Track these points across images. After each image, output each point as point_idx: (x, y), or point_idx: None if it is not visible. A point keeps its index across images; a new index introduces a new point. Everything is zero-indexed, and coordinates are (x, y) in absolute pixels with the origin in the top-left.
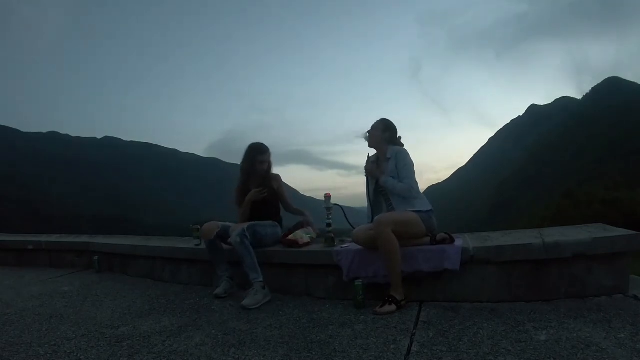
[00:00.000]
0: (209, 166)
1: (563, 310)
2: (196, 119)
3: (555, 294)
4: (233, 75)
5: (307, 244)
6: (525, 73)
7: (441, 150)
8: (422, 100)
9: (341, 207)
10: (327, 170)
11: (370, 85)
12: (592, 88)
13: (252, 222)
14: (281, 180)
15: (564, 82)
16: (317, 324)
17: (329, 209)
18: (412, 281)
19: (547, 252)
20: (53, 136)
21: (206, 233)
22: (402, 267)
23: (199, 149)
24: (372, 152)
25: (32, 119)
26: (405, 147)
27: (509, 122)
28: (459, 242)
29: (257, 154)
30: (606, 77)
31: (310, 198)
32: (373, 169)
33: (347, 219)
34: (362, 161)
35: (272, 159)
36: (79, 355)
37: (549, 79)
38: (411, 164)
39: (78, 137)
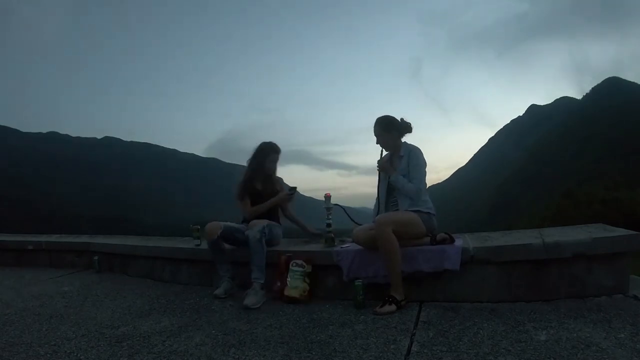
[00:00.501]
0: (209, 166)
1: (563, 310)
2: (196, 119)
3: (555, 294)
4: (233, 75)
5: (308, 295)
6: (526, 73)
7: (441, 150)
8: (423, 100)
9: (342, 206)
10: (327, 170)
11: (371, 85)
12: (592, 88)
13: (270, 222)
14: (282, 184)
15: (565, 82)
16: (317, 324)
17: (328, 209)
18: (412, 281)
19: (547, 252)
20: (53, 136)
21: (209, 233)
22: (402, 267)
23: (199, 149)
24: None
25: (32, 119)
26: (411, 137)
27: (509, 122)
28: (459, 242)
29: (272, 152)
30: (607, 77)
31: (310, 198)
32: (386, 165)
33: (350, 217)
34: (363, 161)
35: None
36: (79, 355)
37: (549, 79)
38: (423, 164)
39: (78, 137)
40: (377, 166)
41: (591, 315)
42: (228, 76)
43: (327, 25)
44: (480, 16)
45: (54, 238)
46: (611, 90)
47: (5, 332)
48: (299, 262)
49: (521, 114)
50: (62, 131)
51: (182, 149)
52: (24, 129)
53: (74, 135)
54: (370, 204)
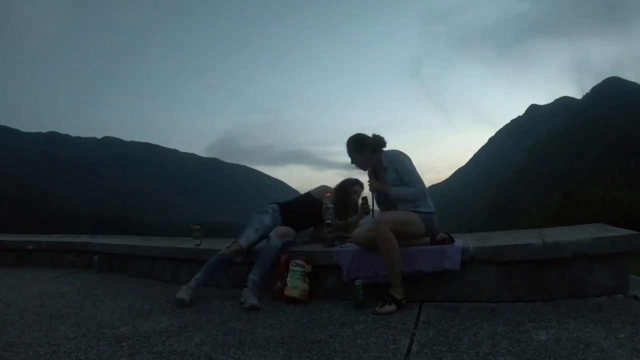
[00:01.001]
0: (209, 166)
1: (563, 310)
2: (196, 119)
3: (555, 294)
4: (233, 75)
5: (308, 295)
6: (526, 73)
7: (442, 149)
8: (423, 100)
9: None
10: (327, 170)
11: (371, 84)
12: (592, 88)
13: (296, 234)
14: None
15: (565, 82)
16: (317, 324)
17: (328, 209)
18: (412, 281)
19: (547, 252)
20: (53, 136)
21: (233, 253)
22: (402, 267)
23: (199, 149)
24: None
25: (32, 119)
26: (402, 139)
27: (509, 122)
28: (458, 242)
29: (360, 188)
30: (607, 77)
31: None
32: (378, 186)
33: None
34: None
35: (269, 159)
36: (79, 355)
37: (550, 78)
38: (410, 164)
39: (78, 137)
40: (370, 189)
41: (591, 315)
42: (228, 76)
43: (327, 25)
44: (480, 15)
45: (54, 238)
46: (611, 90)
47: (5, 332)
48: (299, 262)
49: (521, 114)
50: (62, 131)
51: (182, 149)
52: (24, 129)
53: (74, 135)
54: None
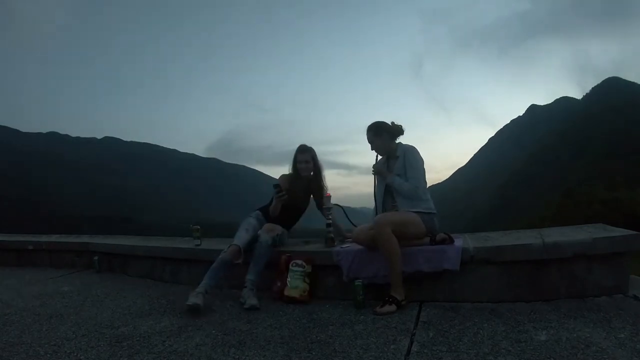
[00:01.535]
0: (209, 166)
1: (563, 310)
2: (196, 119)
3: (555, 294)
4: (233, 75)
5: (308, 295)
6: (527, 72)
7: (442, 149)
8: (423, 99)
9: (341, 207)
10: (327, 170)
11: (371, 84)
12: (592, 88)
13: (283, 230)
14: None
15: (566, 82)
16: (317, 324)
17: (328, 209)
18: (412, 281)
19: (547, 252)
20: (53, 136)
21: (231, 256)
22: (402, 267)
23: (199, 149)
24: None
25: (32, 119)
26: (407, 137)
27: (509, 122)
28: (458, 242)
29: (297, 154)
30: (608, 76)
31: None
32: (381, 168)
33: (348, 218)
34: (364, 161)
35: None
36: (79, 355)
37: (550, 78)
38: (420, 162)
39: (78, 137)
40: (372, 170)
41: (591, 315)
42: (228, 76)
43: (327, 24)
44: (481, 14)
45: (54, 238)
46: (611, 90)
47: (5, 332)
48: (299, 262)
49: (521, 114)
50: (62, 131)
51: (182, 149)
52: (24, 129)
53: (74, 135)
54: (371, 204)
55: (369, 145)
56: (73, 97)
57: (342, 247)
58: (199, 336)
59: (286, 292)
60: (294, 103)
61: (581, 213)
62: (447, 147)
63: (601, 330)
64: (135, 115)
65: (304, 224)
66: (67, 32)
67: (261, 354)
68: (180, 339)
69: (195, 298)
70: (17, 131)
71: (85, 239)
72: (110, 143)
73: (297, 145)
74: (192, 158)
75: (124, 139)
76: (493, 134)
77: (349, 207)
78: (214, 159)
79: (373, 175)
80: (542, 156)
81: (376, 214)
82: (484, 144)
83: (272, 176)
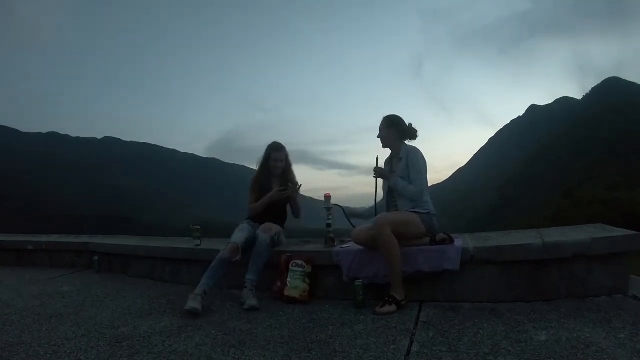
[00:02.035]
0: (209, 166)
1: (563, 310)
2: (196, 119)
3: (555, 294)
4: (233, 74)
5: (308, 295)
6: (527, 72)
7: (442, 149)
8: (424, 99)
9: (341, 207)
10: (327, 170)
11: (371, 83)
12: (592, 88)
13: (281, 228)
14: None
15: (566, 82)
16: (317, 324)
17: (328, 209)
18: (412, 281)
19: (547, 252)
20: (53, 136)
21: (230, 253)
22: (402, 268)
23: (199, 149)
24: (381, 153)
25: (32, 119)
26: (417, 138)
27: (509, 122)
28: (458, 242)
29: (272, 152)
30: (609, 76)
31: (310, 198)
32: (383, 170)
33: (348, 219)
34: (364, 161)
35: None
36: (79, 355)
37: (551, 77)
38: (423, 164)
39: (78, 137)
40: (374, 174)
41: (591, 315)
42: (228, 76)
43: (327, 24)
44: (481, 14)
45: (54, 238)
46: (611, 90)
47: (5, 332)
48: (299, 262)
49: (521, 114)
50: (62, 131)
51: (182, 149)
52: (24, 129)
53: (74, 135)
54: (371, 204)
55: (371, 142)
56: (73, 97)
57: (342, 247)
58: (199, 336)
59: (286, 292)
60: (294, 103)
61: (581, 213)
62: (447, 147)
63: (601, 330)
64: (135, 115)
65: (304, 224)
66: (67, 32)
67: (261, 354)
68: (180, 339)
69: (193, 302)
70: (17, 131)
71: (85, 239)
72: (110, 143)
73: (270, 143)
74: (192, 158)
75: (124, 139)
76: (493, 134)
77: (348, 208)
78: (214, 159)
79: (375, 179)
80: (542, 156)
81: (375, 214)
82: (484, 144)
83: None
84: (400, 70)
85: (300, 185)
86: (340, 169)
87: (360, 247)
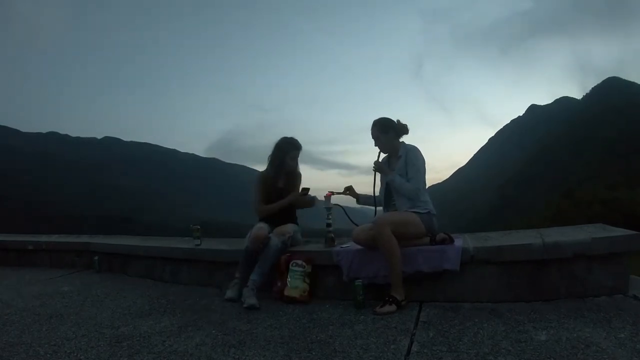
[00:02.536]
0: (209, 166)
1: (563, 310)
2: (196, 119)
3: (555, 294)
4: (233, 74)
5: (308, 295)
6: (528, 71)
7: (443, 149)
8: (424, 99)
9: (342, 207)
10: (328, 170)
11: (372, 83)
12: (592, 88)
13: (293, 227)
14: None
15: (567, 82)
16: (317, 324)
17: (328, 209)
18: (412, 281)
19: (547, 252)
20: (53, 136)
21: (256, 239)
22: (402, 268)
23: (199, 149)
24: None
25: (32, 119)
26: (411, 136)
27: (509, 122)
28: (458, 242)
29: (292, 149)
30: (609, 76)
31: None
32: (382, 166)
33: (349, 217)
34: (364, 160)
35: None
36: (79, 355)
37: (551, 77)
38: (421, 163)
39: (78, 137)
40: (373, 167)
41: (591, 315)
42: (228, 75)
43: (327, 23)
44: (482, 14)
45: (54, 238)
46: (611, 90)
47: (5, 332)
48: (299, 262)
49: (521, 114)
50: (62, 131)
51: (182, 149)
52: (24, 129)
53: (74, 135)
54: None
55: (371, 143)
56: (73, 97)
57: (342, 247)
58: (199, 336)
59: (286, 292)
60: (294, 103)
61: (581, 213)
62: (447, 147)
63: (601, 330)
64: (135, 115)
65: (304, 224)
66: (67, 32)
67: (261, 354)
68: (180, 339)
69: (251, 299)
70: (17, 131)
71: (85, 239)
72: (110, 143)
73: (287, 138)
74: (192, 158)
75: (124, 139)
76: (493, 134)
77: (349, 207)
78: (214, 159)
79: (373, 172)
80: (542, 156)
81: (375, 211)
82: (484, 144)
83: None
84: (401, 70)
85: (309, 189)
86: (340, 169)
87: (360, 247)
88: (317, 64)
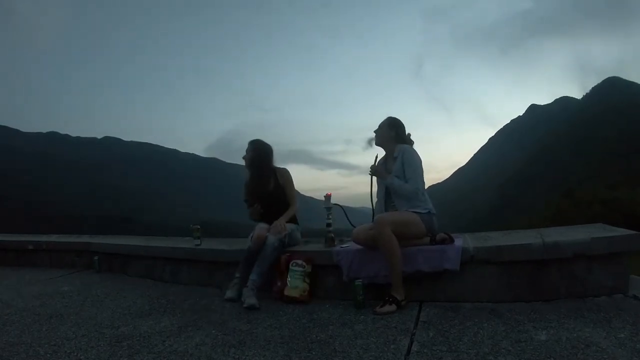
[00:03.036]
0: (209, 166)
1: (563, 310)
2: (196, 119)
3: (555, 294)
4: (233, 75)
5: (308, 295)
6: (528, 72)
7: (443, 149)
8: (425, 98)
9: (341, 207)
10: (328, 170)
11: (372, 83)
12: (592, 88)
13: (292, 226)
14: (289, 176)
15: (567, 81)
16: (317, 324)
17: (328, 209)
18: (412, 281)
19: (547, 252)
20: (53, 136)
21: (259, 238)
22: (402, 267)
23: (199, 149)
24: (382, 152)
25: (32, 119)
26: (414, 145)
27: (509, 122)
28: (458, 242)
29: (272, 152)
30: (610, 76)
31: (311, 198)
32: (379, 168)
33: (348, 218)
34: (364, 160)
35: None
36: (79, 355)
37: (552, 77)
38: (418, 163)
39: (78, 137)
40: (370, 172)
41: (591, 315)
42: (228, 76)
43: (327, 23)
44: (483, 13)
45: (54, 238)
46: (611, 90)
47: (5, 332)
48: (299, 262)
49: (521, 114)
50: (62, 131)
51: (182, 149)
52: (24, 129)
53: (74, 135)
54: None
55: (375, 137)
56: (73, 97)
57: (342, 247)
58: (199, 336)
59: (286, 292)
60: (294, 103)
61: (581, 213)
62: (447, 147)
63: (601, 330)
64: (135, 115)
65: (304, 224)
66: (67, 31)
67: (261, 354)
68: (180, 339)
69: (250, 299)
70: (17, 131)
71: (85, 239)
72: (110, 143)
73: (258, 140)
74: (192, 158)
75: (124, 139)
76: (493, 134)
77: (349, 207)
78: (214, 158)
79: (370, 177)
80: (542, 156)
81: (373, 214)
82: (484, 143)
83: None
84: (401, 70)
85: (328, 192)
86: (341, 169)
87: (360, 247)
88: (317, 64)
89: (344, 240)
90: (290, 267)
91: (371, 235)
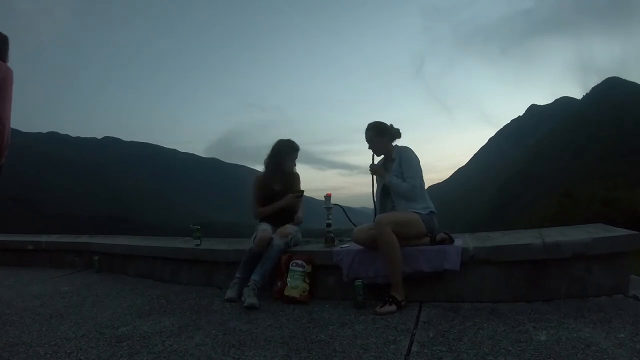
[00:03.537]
0: (209, 166)
1: (563, 310)
2: (196, 119)
3: (555, 294)
4: (233, 74)
5: (308, 295)
6: (529, 71)
7: (444, 149)
8: (425, 98)
9: (342, 207)
10: (328, 170)
11: (372, 82)
12: (592, 88)
13: (295, 228)
14: (298, 180)
15: (568, 81)
16: (317, 324)
17: (329, 209)
18: (412, 281)
19: (547, 252)
20: (53, 136)
21: (261, 241)
22: (402, 268)
23: (199, 149)
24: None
25: (32, 119)
26: (404, 138)
27: (509, 121)
28: (458, 242)
29: (292, 151)
30: (610, 76)
31: (311, 198)
32: (379, 168)
33: (348, 218)
34: (364, 160)
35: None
36: (79, 355)
37: (552, 77)
38: (415, 162)
39: (78, 137)
40: (370, 170)
41: (591, 315)
42: (228, 75)
43: (327, 23)
44: (483, 12)
45: (54, 238)
46: (611, 90)
47: (5, 332)
48: (299, 262)
49: (521, 114)
50: (62, 131)
51: (182, 149)
52: (24, 129)
53: (74, 135)
54: (371, 204)
55: (367, 144)
56: (73, 97)
57: (342, 247)
58: (199, 336)
59: (286, 292)
60: (294, 103)
61: (581, 213)
62: (448, 147)
63: (601, 330)
64: (135, 115)
65: (304, 224)
66: (67, 31)
67: (261, 354)
68: (180, 339)
69: (251, 299)
70: (17, 131)
71: (85, 239)
72: (110, 143)
73: (285, 140)
74: (192, 158)
75: (124, 139)
76: (493, 134)
77: (349, 207)
78: (214, 158)
79: (371, 176)
80: (542, 156)
81: (375, 214)
82: (484, 143)
83: None
84: (401, 69)
85: (303, 191)
86: (340, 169)
87: (360, 247)
88: (317, 63)
89: (344, 240)
90: (290, 267)
91: (371, 235)
